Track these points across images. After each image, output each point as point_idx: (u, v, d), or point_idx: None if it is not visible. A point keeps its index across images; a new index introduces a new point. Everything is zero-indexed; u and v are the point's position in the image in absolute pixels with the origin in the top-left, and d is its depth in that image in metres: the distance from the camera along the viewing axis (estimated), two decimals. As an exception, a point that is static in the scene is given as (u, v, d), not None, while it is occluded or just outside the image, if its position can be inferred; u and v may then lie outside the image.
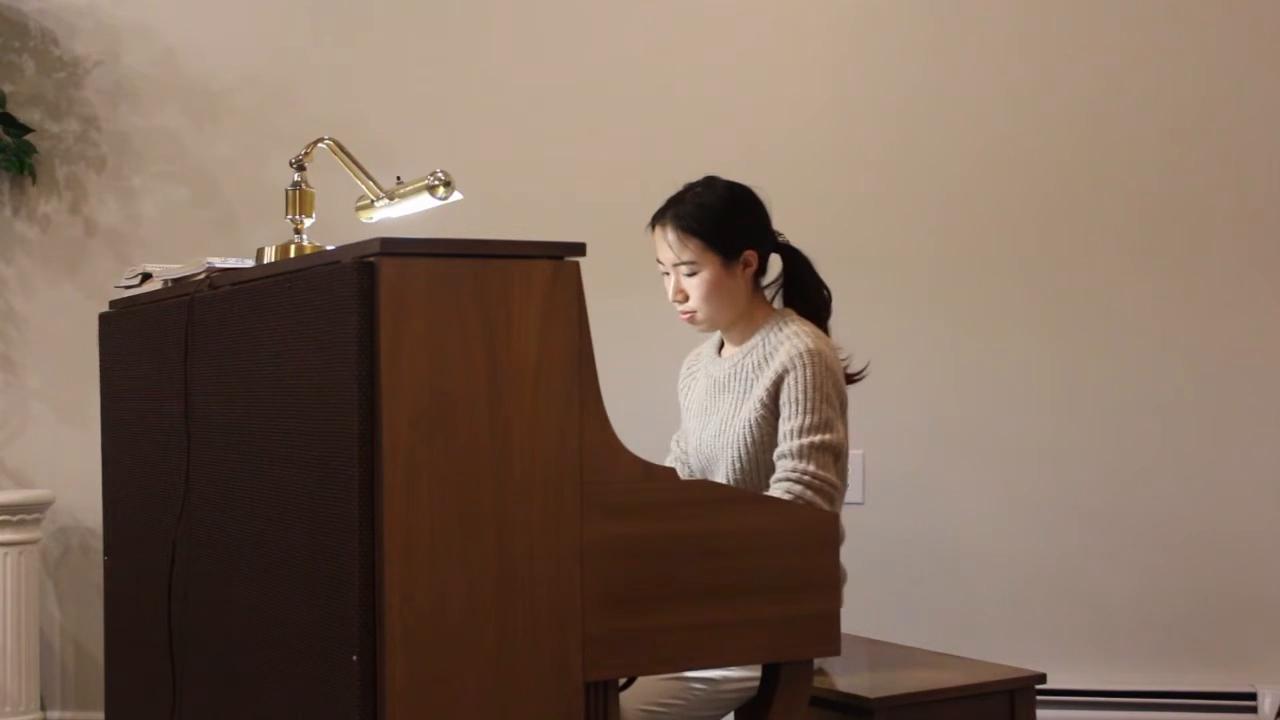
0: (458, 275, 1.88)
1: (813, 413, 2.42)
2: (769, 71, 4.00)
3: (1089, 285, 3.86)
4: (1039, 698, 2.67)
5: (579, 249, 1.95)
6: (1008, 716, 2.58)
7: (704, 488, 2.32)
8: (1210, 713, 3.73)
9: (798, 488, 2.37)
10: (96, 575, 3.81)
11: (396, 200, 2.53)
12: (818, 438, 2.41)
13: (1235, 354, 3.81)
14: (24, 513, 3.94)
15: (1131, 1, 3.87)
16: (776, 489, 2.40)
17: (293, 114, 4.09)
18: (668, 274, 2.59)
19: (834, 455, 2.43)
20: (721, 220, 2.54)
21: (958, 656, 2.79)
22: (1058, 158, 3.88)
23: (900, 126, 3.94)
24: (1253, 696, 3.71)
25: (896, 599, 3.73)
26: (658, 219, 2.58)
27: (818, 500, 2.37)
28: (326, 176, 2.64)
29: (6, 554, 3.91)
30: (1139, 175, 3.86)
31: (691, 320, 2.59)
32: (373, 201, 2.59)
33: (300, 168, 2.52)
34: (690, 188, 2.60)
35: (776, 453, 2.44)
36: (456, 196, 2.41)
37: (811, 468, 2.39)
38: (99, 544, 2.91)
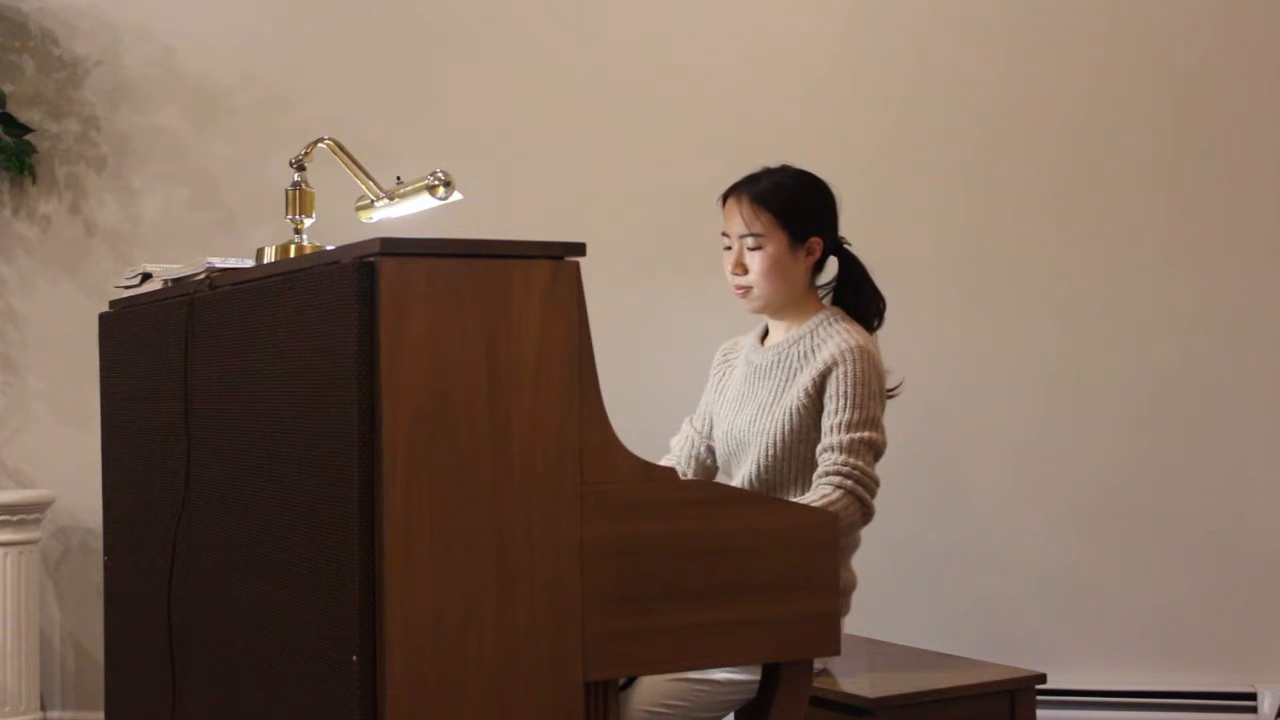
0: (458, 275, 1.88)
1: (860, 408, 2.46)
2: (770, 69, 4.00)
3: (1092, 285, 3.86)
4: (1039, 698, 2.67)
5: (579, 249, 1.95)
6: (1008, 716, 2.58)
7: (704, 488, 2.33)
8: (1210, 713, 3.73)
9: (849, 482, 2.42)
10: (96, 575, 3.81)
11: (396, 200, 2.53)
12: (864, 434, 2.45)
13: (1237, 354, 3.81)
14: (24, 513, 3.94)
15: None
16: (824, 483, 2.43)
17: (293, 114, 4.09)
18: (729, 248, 2.63)
19: (875, 453, 2.48)
20: (796, 201, 2.59)
21: (958, 656, 2.79)
22: (1061, 156, 3.88)
23: (903, 124, 3.94)
24: (1253, 696, 3.71)
25: (897, 600, 3.72)
26: (733, 191, 2.63)
27: (864, 495, 2.43)
28: (326, 176, 2.64)
29: (6, 554, 3.91)
30: (1146, 175, 3.85)
31: (745, 295, 2.62)
32: (373, 201, 2.59)
33: (300, 168, 2.52)
34: (767, 169, 2.65)
35: (821, 445, 2.48)
36: (456, 196, 2.41)
37: (859, 463, 2.44)
38: (99, 544, 2.90)
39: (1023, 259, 3.89)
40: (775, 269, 2.58)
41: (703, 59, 4.02)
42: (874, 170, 3.92)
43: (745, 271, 2.60)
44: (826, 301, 2.69)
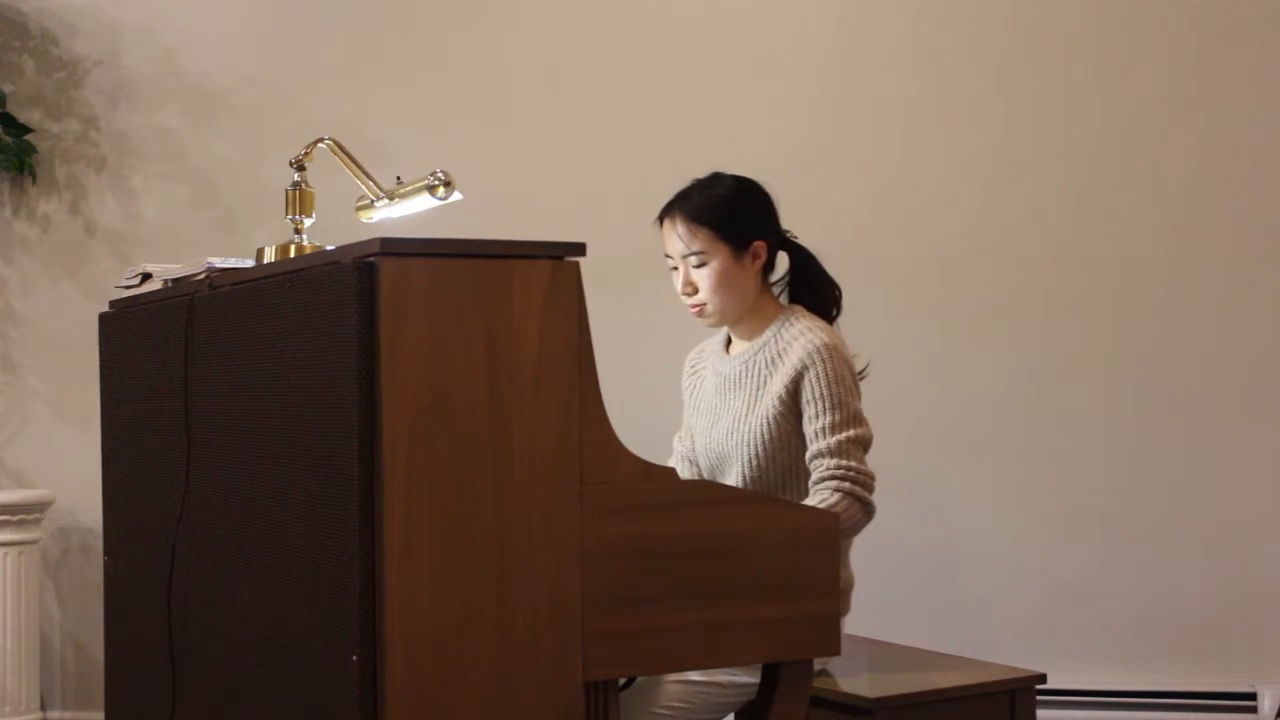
0: (458, 275, 1.88)
1: (841, 408, 2.45)
2: (769, 71, 4.00)
3: (1088, 286, 3.86)
4: (1039, 698, 2.66)
5: (579, 249, 1.95)
6: (1008, 716, 2.57)
7: (704, 488, 2.32)
8: (1210, 713, 3.73)
9: (846, 484, 2.41)
10: (96, 575, 3.81)
11: (396, 200, 2.53)
12: (851, 432, 2.44)
13: (1235, 355, 3.81)
14: (24, 513, 3.94)
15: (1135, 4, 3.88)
16: (822, 488, 2.42)
17: (293, 114, 4.09)
18: (676, 268, 2.59)
19: (864, 448, 2.47)
20: (731, 210, 2.55)
21: (958, 657, 2.79)
22: (1053, 160, 3.88)
23: (896, 126, 3.94)
24: (1253, 696, 3.71)
25: (897, 600, 3.72)
26: (666, 212, 2.59)
27: (864, 494, 2.42)
28: (326, 176, 2.64)
29: (6, 554, 3.91)
30: (1140, 177, 3.85)
31: (700, 313, 2.59)
32: (373, 201, 2.59)
33: (300, 168, 2.52)
34: (697, 182, 2.61)
35: (810, 452, 2.46)
36: (456, 196, 2.41)
37: (853, 463, 2.43)
38: (99, 544, 2.90)
39: (1015, 262, 3.89)
40: (724, 282, 2.54)
41: (704, 59, 4.02)
42: (868, 173, 3.92)
43: (695, 290, 2.56)
44: (783, 299, 2.67)
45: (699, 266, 2.54)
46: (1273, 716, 3.68)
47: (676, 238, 2.56)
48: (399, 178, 2.53)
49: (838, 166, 3.91)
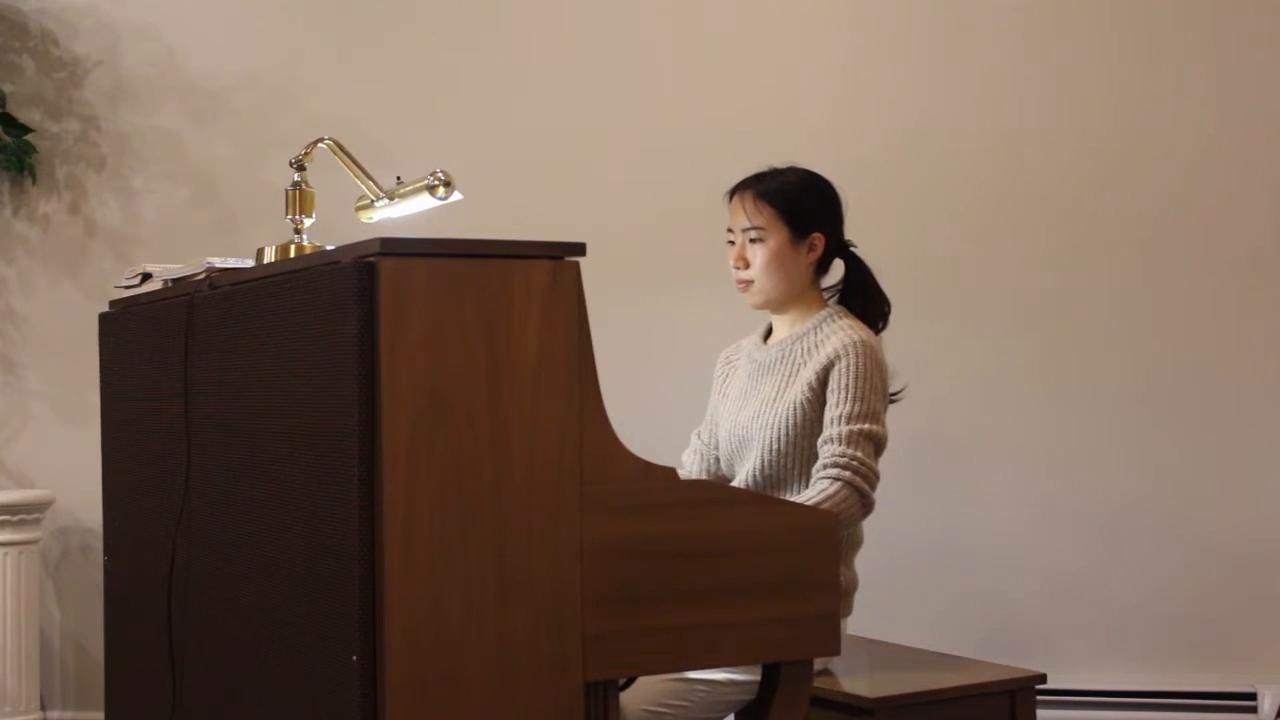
0: (458, 275, 1.88)
1: (860, 400, 2.48)
2: (773, 73, 3.99)
3: (1094, 287, 3.86)
4: (1039, 698, 2.67)
5: (579, 249, 1.95)
6: (1008, 716, 2.58)
7: (704, 488, 2.33)
8: (1210, 713, 3.73)
9: (847, 474, 2.43)
10: (96, 575, 3.81)
11: (396, 200, 2.53)
12: (864, 426, 2.47)
13: (1238, 357, 3.81)
14: (24, 513, 3.94)
15: (1140, 7, 3.88)
16: (824, 475, 2.45)
17: (293, 114, 4.09)
18: (733, 242, 2.67)
19: (875, 446, 2.49)
20: (798, 196, 2.63)
21: (958, 657, 2.79)
22: (1067, 160, 3.88)
23: (904, 127, 3.94)
24: (1253, 696, 3.71)
25: (897, 600, 3.72)
26: (738, 188, 2.67)
27: (864, 487, 2.44)
28: (326, 176, 2.64)
29: (6, 554, 3.91)
30: (1149, 177, 3.85)
31: (746, 289, 2.65)
32: (373, 201, 2.59)
33: (300, 168, 2.52)
34: (773, 168, 2.69)
35: (822, 438, 2.50)
36: (456, 196, 2.41)
37: (859, 454, 2.45)
38: (99, 544, 2.91)
39: (1025, 260, 3.88)
40: (776, 262, 2.61)
41: (706, 58, 4.02)
42: (880, 169, 3.92)
43: (747, 265, 2.63)
44: (832, 303, 2.70)
45: (755, 242, 2.62)
46: (1273, 716, 3.68)
47: (742, 212, 2.64)
48: (399, 178, 2.53)
49: (846, 164, 3.89)
